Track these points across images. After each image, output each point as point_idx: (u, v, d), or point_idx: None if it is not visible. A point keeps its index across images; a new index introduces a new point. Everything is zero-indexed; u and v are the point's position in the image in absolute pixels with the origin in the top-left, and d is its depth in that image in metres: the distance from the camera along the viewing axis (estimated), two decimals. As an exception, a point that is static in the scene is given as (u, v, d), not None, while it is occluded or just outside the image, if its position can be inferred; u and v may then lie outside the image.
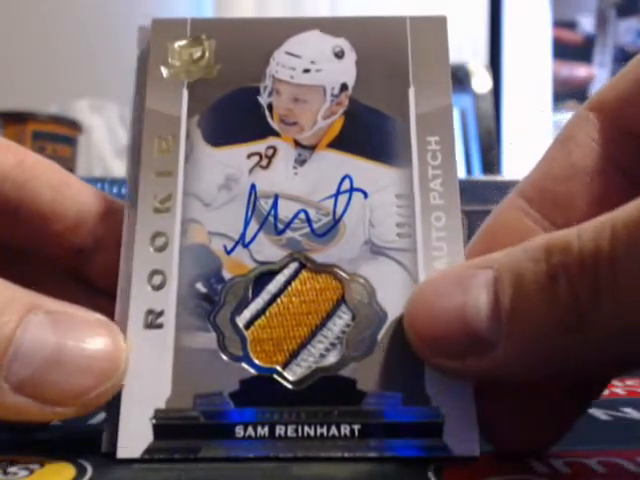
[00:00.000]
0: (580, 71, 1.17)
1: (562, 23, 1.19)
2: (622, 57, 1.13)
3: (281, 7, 1.60)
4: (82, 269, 0.25)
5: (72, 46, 1.42)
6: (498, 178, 0.80)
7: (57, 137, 0.89)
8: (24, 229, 0.24)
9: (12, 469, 0.19)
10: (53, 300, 0.19)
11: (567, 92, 1.16)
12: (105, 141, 1.19)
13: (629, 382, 0.30)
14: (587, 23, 1.18)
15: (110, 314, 0.21)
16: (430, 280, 0.20)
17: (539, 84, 1.19)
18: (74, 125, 0.93)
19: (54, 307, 0.19)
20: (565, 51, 1.18)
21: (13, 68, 1.32)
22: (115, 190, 0.68)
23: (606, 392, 0.26)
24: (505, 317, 0.17)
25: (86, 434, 0.23)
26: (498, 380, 0.19)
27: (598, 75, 1.14)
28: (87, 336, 0.19)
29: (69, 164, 0.89)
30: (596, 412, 0.25)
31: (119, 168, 1.16)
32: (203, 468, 0.19)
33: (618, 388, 0.29)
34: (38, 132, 0.87)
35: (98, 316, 0.20)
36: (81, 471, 0.19)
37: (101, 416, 0.21)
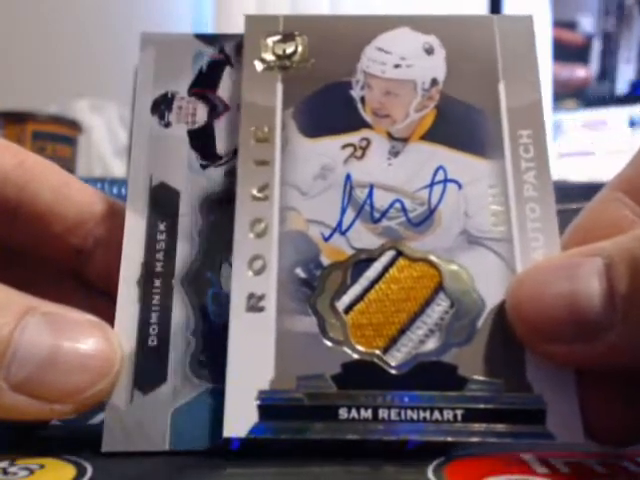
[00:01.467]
0: (580, 71, 1.18)
1: (562, 23, 1.20)
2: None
3: (281, 6, 1.61)
4: (81, 270, 0.25)
5: (72, 46, 1.42)
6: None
7: (57, 137, 0.89)
8: (23, 230, 0.24)
9: (12, 469, 0.19)
10: (47, 302, 0.20)
11: (567, 92, 1.17)
12: (105, 141, 1.19)
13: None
14: (587, 23, 1.19)
15: (109, 315, 0.21)
16: (533, 268, 0.20)
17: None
18: (74, 125, 0.93)
19: (49, 309, 0.20)
20: (565, 52, 1.19)
21: (13, 68, 1.32)
22: (115, 190, 0.68)
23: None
24: (621, 302, 0.17)
25: (86, 434, 0.23)
26: (605, 366, 0.19)
27: (624, 71, 1.14)
28: (82, 337, 0.20)
29: (69, 164, 0.89)
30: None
31: (119, 168, 1.16)
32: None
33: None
34: (38, 132, 0.87)
35: (90, 317, 0.20)
36: (81, 471, 0.19)
37: (101, 416, 0.21)
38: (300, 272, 0.21)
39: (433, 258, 0.21)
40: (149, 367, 0.21)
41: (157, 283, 0.22)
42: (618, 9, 1.16)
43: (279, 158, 0.22)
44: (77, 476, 0.18)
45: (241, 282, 0.21)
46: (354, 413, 0.20)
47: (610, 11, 1.18)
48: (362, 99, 0.23)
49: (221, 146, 0.23)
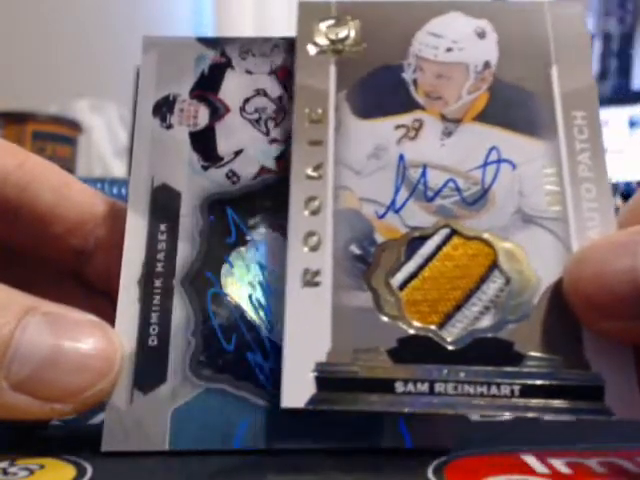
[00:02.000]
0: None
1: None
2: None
3: (280, 5, 1.62)
4: (82, 270, 0.25)
5: (72, 46, 1.42)
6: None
7: (57, 137, 0.89)
8: (24, 230, 0.24)
9: (12, 469, 0.19)
10: (48, 302, 0.20)
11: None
12: (105, 141, 1.19)
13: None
14: (587, 23, 1.20)
15: (109, 315, 0.21)
16: (592, 246, 0.20)
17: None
18: (74, 125, 0.93)
19: (50, 309, 0.20)
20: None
21: (13, 68, 1.31)
22: (115, 190, 0.68)
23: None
24: None
25: (86, 434, 0.23)
26: None
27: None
28: (82, 336, 0.20)
29: (69, 164, 0.89)
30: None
31: (119, 168, 1.16)
32: None
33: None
34: (38, 132, 0.87)
35: (91, 317, 0.20)
36: (81, 471, 0.19)
37: (101, 416, 0.22)
38: (355, 249, 0.21)
39: (487, 236, 0.21)
40: (149, 367, 0.21)
41: (158, 283, 0.22)
42: (636, 9, 1.17)
43: (333, 138, 0.23)
44: (77, 476, 0.18)
45: (297, 258, 0.21)
46: (410, 387, 0.20)
47: (610, 11, 1.18)
48: (414, 81, 0.23)
49: (222, 147, 0.24)
